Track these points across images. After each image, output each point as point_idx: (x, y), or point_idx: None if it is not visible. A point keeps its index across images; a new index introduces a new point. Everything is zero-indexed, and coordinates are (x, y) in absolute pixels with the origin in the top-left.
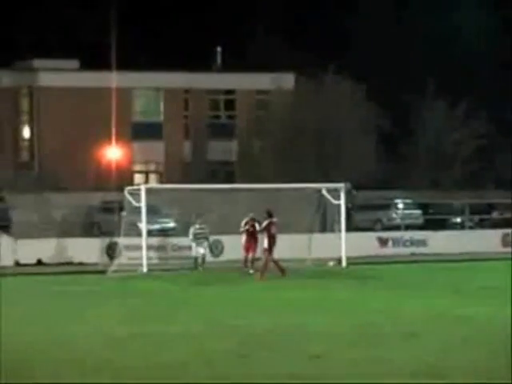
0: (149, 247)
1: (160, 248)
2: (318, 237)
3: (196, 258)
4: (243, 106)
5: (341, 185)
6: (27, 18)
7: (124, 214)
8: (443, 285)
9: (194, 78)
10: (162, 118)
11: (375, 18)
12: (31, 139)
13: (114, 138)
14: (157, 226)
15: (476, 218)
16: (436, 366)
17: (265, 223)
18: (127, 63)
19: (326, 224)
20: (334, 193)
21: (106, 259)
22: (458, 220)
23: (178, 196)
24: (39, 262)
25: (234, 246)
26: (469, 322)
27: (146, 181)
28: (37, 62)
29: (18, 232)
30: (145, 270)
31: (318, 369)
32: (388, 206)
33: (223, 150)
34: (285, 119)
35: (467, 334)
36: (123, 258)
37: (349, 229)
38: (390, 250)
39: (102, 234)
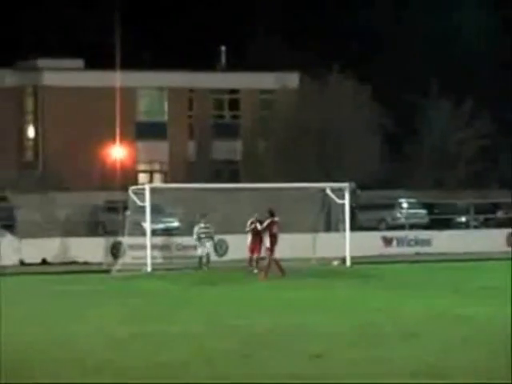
0: (153, 247)
1: (164, 247)
2: (322, 236)
3: (201, 258)
4: (247, 105)
5: (345, 184)
6: (31, 18)
7: (128, 213)
8: (444, 285)
9: (198, 77)
10: (166, 117)
11: (375, 17)
12: (35, 139)
13: (118, 137)
14: (161, 226)
15: (481, 217)
16: (436, 366)
17: (266, 222)
18: (131, 63)
19: (330, 223)
20: (339, 192)
21: (110, 259)
22: (463, 219)
23: (182, 195)
24: (44, 262)
25: (238, 246)
26: (469, 321)
27: (151, 180)
28: (41, 62)
29: (23, 231)
30: (149, 269)
31: (318, 368)
32: (392, 205)
33: (227, 149)
34: (289, 119)
35: (467, 334)
36: (127, 258)
37: (353, 228)
38: (394, 249)
39: (106, 233)
